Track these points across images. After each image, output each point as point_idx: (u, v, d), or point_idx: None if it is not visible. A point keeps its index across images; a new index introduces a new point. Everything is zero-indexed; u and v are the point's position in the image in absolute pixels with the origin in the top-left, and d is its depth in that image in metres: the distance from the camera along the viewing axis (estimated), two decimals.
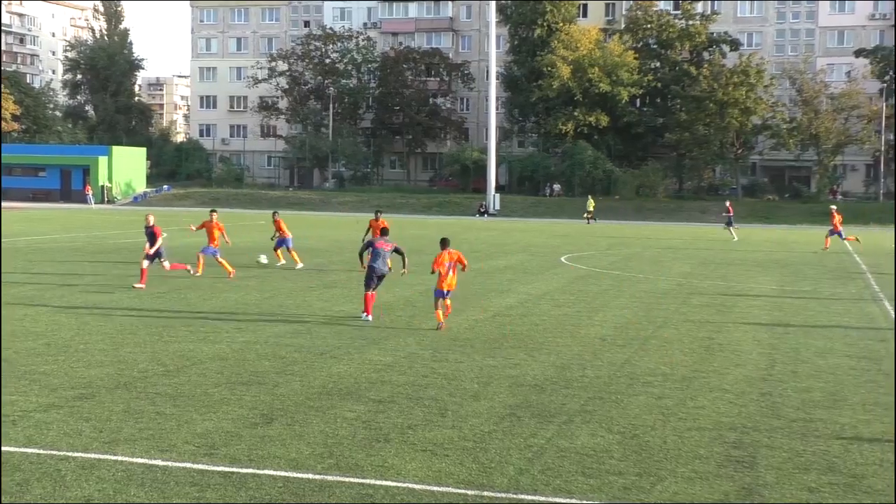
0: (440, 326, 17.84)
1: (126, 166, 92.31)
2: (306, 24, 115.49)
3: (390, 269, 19.40)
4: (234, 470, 9.20)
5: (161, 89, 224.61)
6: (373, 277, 18.83)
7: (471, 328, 18.27)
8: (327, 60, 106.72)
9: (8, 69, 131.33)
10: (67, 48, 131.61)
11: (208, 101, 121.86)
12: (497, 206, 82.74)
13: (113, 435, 10.29)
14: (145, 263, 23.71)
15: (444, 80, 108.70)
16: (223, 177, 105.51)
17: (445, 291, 18.03)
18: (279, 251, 29.61)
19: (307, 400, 12.17)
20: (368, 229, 31.22)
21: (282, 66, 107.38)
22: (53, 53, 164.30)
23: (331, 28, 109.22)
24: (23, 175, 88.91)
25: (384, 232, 20.01)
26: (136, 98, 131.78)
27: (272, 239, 30.17)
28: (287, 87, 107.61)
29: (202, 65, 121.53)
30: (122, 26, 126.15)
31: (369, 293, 18.88)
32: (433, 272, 18.25)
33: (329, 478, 9.05)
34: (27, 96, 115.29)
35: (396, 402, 12.12)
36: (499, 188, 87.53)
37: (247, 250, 33.60)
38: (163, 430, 10.56)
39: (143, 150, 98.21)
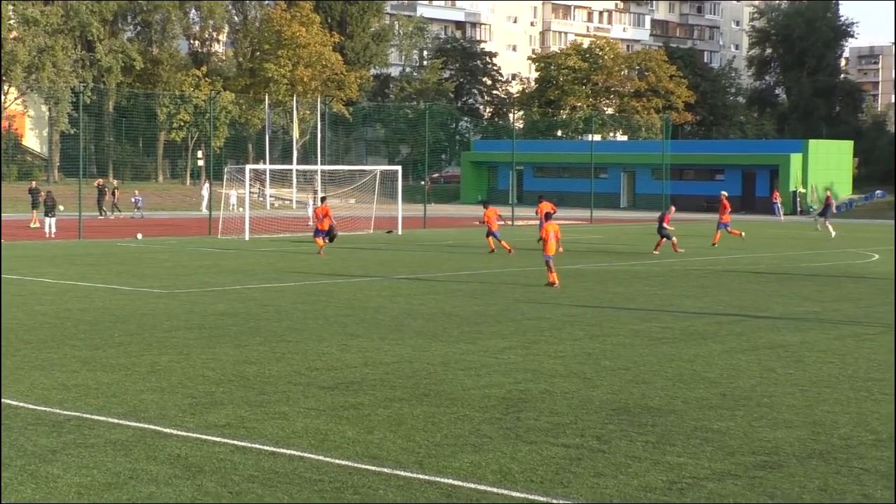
0: None
1: (826, 165, 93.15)
2: None
3: None
4: None
5: (876, 62, 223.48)
6: None
7: None
8: None
9: (682, 46, 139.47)
10: (755, 15, 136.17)
11: None
12: None
13: None
14: None
15: None
16: None
17: None
18: (490, 239, 43.50)
19: None
20: None
21: None
22: (737, 24, 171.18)
23: None
24: (695, 179, 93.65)
25: None
26: (842, 76, 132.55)
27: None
28: None
29: None
30: None
31: None
32: None
33: None
34: (704, 80, 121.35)
35: None
36: None
37: None
38: None
39: (849, 144, 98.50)
